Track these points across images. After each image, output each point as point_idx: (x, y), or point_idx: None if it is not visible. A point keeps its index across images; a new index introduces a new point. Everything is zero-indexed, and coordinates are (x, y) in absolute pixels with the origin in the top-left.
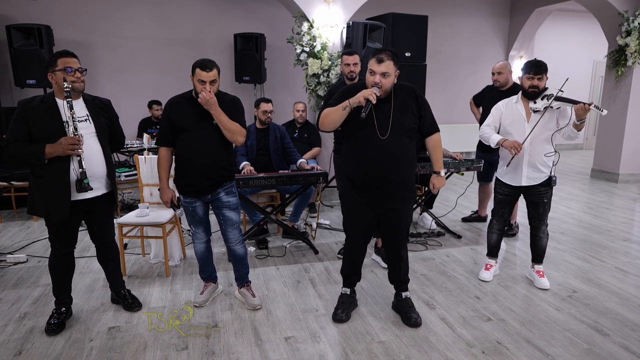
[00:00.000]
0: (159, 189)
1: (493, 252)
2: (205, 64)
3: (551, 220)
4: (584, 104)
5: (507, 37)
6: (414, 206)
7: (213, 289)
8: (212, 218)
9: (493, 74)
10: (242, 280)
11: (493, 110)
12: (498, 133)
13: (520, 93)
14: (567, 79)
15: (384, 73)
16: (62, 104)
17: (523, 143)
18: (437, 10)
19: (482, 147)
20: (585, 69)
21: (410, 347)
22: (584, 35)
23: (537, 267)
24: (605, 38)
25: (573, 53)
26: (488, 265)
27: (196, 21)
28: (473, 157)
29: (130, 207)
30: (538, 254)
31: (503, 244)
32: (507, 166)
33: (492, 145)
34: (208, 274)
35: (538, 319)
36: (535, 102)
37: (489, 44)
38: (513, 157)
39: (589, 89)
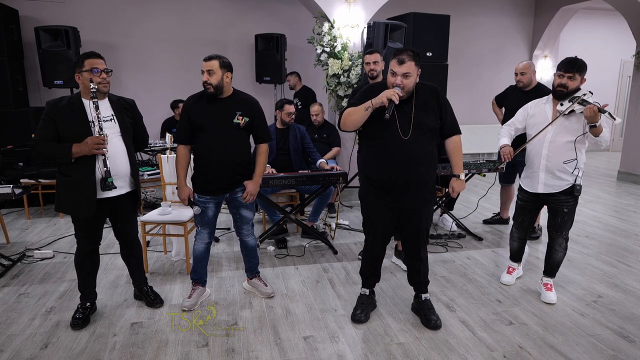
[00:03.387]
0: (176, 187)
1: (515, 257)
2: (207, 56)
3: (576, 223)
4: (594, 107)
5: (532, 36)
6: (435, 207)
7: (201, 292)
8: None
9: (516, 74)
10: (253, 271)
11: (519, 111)
12: (527, 133)
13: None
14: (591, 94)
15: (405, 74)
16: (88, 104)
17: (526, 143)
18: (460, 10)
19: None
20: (613, 69)
21: (429, 350)
22: (611, 34)
23: (545, 279)
24: (633, 37)
25: (600, 52)
26: (510, 269)
27: (218, 22)
28: (495, 158)
29: (153, 205)
30: (551, 267)
31: (526, 247)
32: (500, 166)
33: (498, 147)
34: (199, 275)
35: (562, 324)
36: (562, 104)
37: (512, 43)
38: (503, 162)
39: (616, 89)
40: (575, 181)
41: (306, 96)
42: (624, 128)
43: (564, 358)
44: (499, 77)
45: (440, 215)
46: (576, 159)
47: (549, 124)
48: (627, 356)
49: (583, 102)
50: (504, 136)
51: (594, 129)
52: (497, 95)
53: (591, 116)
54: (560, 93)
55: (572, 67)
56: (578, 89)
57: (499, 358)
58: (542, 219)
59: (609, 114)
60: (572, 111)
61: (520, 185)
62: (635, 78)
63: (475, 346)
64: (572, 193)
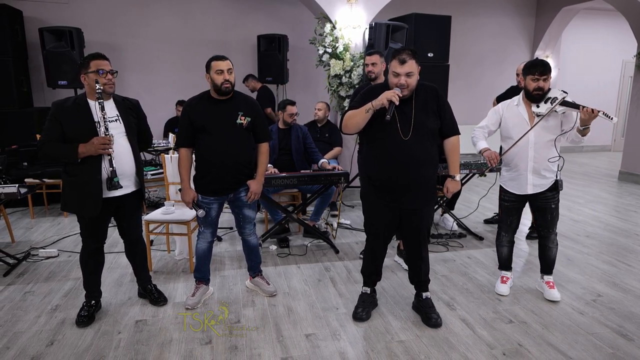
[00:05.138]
0: (178, 190)
1: (506, 265)
2: (219, 56)
3: (576, 223)
4: (591, 109)
5: (533, 36)
6: (436, 207)
7: (204, 290)
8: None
9: (517, 74)
10: (255, 270)
11: (490, 112)
12: (501, 136)
13: (521, 95)
14: (566, 94)
15: (408, 73)
16: (93, 104)
17: (513, 146)
18: (461, 10)
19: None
20: (614, 69)
21: (430, 347)
22: (613, 35)
23: (546, 278)
24: (635, 37)
25: (601, 53)
26: (504, 278)
27: (220, 23)
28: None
29: (156, 204)
30: (548, 265)
31: (526, 247)
32: (480, 175)
33: (476, 152)
34: (203, 274)
35: (561, 322)
36: (538, 106)
37: (514, 44)
38: (487, 168)
39: (617, 90)
40: (557, 177)
41: (266, 96)
42: (625, 128)
43: (563, 356)
44: (500, 78)
45: (442, 215)
46: (560, 156)
47: (533, 126)
48: (625, 354)
49: (565, 103)
50: (481, 139)
51: (586, 130)
52: (499, 96)
53: (588, 119)
54: (537, 96)
55: (545, 69)
56: (549, 90)
57: (498, 356)
58: None
59: (605, 114)
60: (549, 112)
61: (502, 187)
62: (637, 78)
63: (475, 344)
64: (557, 188)
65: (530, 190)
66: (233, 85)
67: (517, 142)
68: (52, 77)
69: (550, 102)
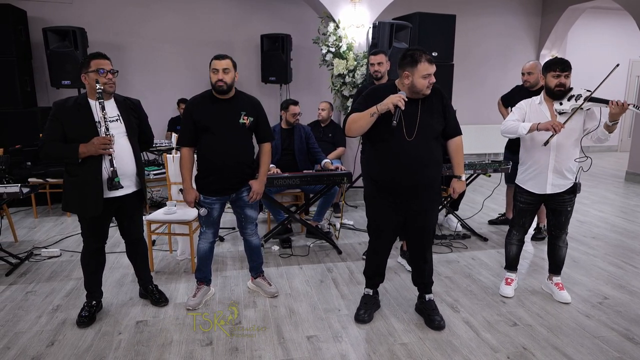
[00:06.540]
0: (179, 190)
1: (513, 265)
2: (219, 55)
3: (582, 224)
4: (621, 102)
5: (539, 36)
6: (440, 208)
7: (205, 291)
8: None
9: (523, 74)
10: (257, 270)
11: (515, 109)
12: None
13: (543, 93)
14: (617, 65)
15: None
16: (94, 104)
17: (549, 139)
18: (466, 10)
19: (511, 149)
20: (621, 68)
21: (433, 350)
22: (619, 34)
23: (555, 279)
24: None
25: (608, 52)
26: (509, 280)
27: (224, 23)
28: (501, 158)
29: (158, 204)
30: (557, 265)
31: (531, 248)
32: (545, 144)
33: (523, 134)
34: (204, 274)
35: (566, 325)
36: (561, 104)
37: (519, 43)
38: (553, 135)
39: (624, 89)
40: (576, 179)
41: None
42: (632, 128)
43: None
44: (505, 77)
45: (445, 216)
46: (588, 157)
47: (565, 122)
48: (632, 358)
49: (593, 99)
50: (520, 122)
51: (614, 126)
52: (503, 95)
53: (618, 113)
54: (559, 92)
55: (567, 66)
56: (571, 88)
57: (502, 359)
58: None
59: (635, 106)
60: (578, 109)
61: (520, 187)
62: None
63: (479, 347)
64: (575, 191)
65: (549, 190)
66: (228, 85)
67: (548, 140)
68: (55, 76)
69: (575, 99)
